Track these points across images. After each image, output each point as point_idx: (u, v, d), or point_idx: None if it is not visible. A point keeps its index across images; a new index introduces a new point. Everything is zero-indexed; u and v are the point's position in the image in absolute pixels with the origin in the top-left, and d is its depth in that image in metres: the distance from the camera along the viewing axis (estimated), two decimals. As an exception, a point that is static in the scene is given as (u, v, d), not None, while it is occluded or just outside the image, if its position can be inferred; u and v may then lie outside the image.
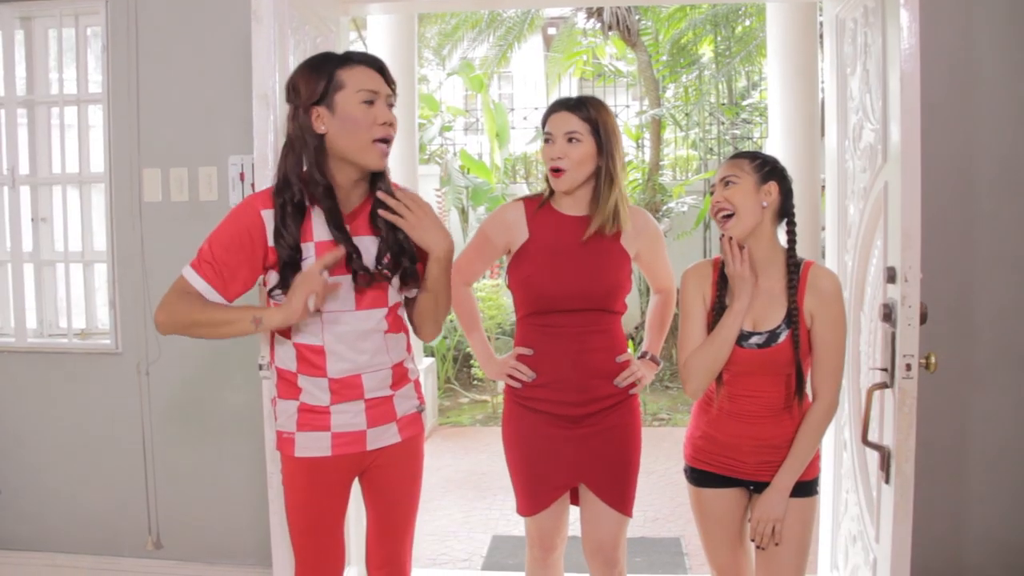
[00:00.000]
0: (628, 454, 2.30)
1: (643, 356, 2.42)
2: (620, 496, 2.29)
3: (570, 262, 2.23)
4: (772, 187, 2.08)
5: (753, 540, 2.11)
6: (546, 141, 2.26)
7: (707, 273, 2.19)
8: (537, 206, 2.31)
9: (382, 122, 1.90)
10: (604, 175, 2.24)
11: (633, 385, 2.30)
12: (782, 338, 2.07)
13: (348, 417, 2.02)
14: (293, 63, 2.45)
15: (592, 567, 2.35)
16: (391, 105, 1.95)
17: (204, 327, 1.92)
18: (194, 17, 3.09)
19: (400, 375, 2.08)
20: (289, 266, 1.91)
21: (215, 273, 1.93)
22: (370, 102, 1.90)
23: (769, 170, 2.09)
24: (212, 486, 3.20)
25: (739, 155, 2.12)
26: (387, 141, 1.93)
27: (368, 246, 1.98)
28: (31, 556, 3.32)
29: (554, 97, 11.05)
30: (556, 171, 2.22)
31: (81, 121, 3.28)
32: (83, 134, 3.29)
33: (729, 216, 2.07)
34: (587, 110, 2.23)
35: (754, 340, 2.08)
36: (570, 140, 2.20)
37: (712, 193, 2.13)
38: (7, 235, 3.34)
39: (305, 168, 1.94)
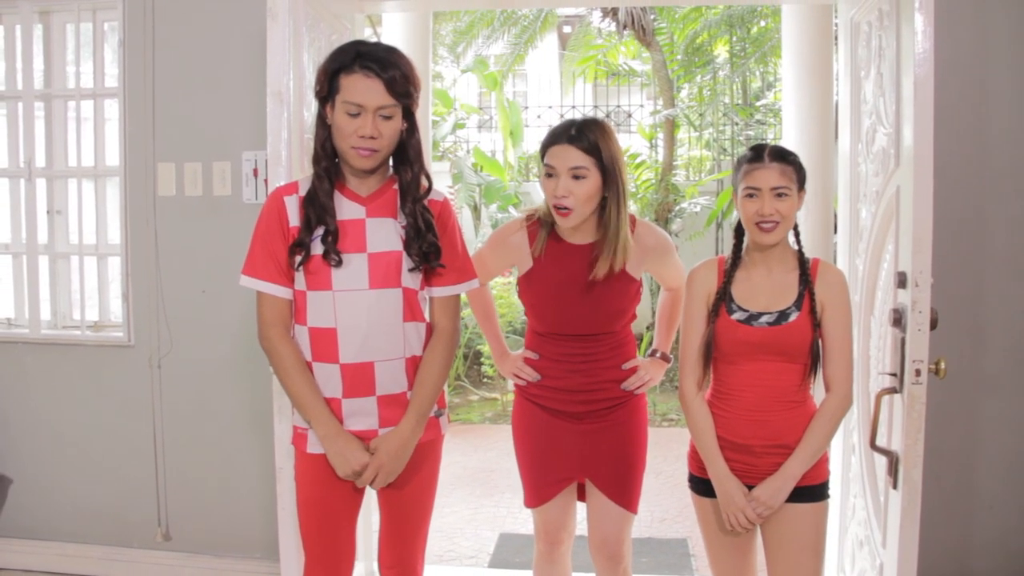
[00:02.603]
0: (633, 450, 2.30)
1: (652, 354, 2.42)
2: (625, 492, 2.29)
3: (574, 294, 2.21)
4: (803, 193, 2.10)
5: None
6: (548, 175, 2.16)
7: (712, 270, 2.17)
8: (540, 232, 2.26)
9: (361, 135, 1.92)
10: (612, 207, 2.16)
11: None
12: (792, 317, 2.07)
13: (361, 416, 2.03)
14: (308, 61, 2.47)
15: (597, 562, 2.37)
16: (388, 117, 1.94)
17: (284, 387, 2.04)
18: (210, 13, 3.11)
19: (417, 373, 2.09)
20: (317, 222, 1.97)
21: (273, 266, 1.99)
22: (355, 114, 1.92)
23: (804, 176, 2.11)
24: (221, 479, 3.22)
25: (783, 158, 2.06)
26: (369, 149, 1.95)
27: (385, 227, 2.02)
28: (41, 546, 3.35)
29: (568, 97, 11.07)
30: (562, 209, 2.14)
31: (97, 115, 3.30)
32: (99, 128, 3.31)
33: (775, 225, 2.05)
34: (588, 139, 2.12)
35: (764, 319, 2.08)
36: (575, 177, 2.12)
37: (748, 195, 2.06)
38: (23, 227, 3.37)
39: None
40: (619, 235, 2.17)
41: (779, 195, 2.04)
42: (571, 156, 2.11)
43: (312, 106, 2.43)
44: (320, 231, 1.97)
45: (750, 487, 2.10)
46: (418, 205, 2.03)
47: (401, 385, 2.05)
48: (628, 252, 2.20)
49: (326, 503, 2.07)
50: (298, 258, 1.97)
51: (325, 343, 2.00)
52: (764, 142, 2.13)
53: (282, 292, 2.00)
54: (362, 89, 1.91)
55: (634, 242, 2.22)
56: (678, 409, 6.26)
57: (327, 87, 1.95)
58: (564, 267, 2.23)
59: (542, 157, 2.19)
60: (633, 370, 2.29)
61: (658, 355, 2.42)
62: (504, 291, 6.64)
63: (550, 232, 2.26)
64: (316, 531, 2.07)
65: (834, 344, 2.09)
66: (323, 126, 2.00)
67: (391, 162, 2.07)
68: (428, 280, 2.09)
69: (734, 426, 2.10)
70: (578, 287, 2.21)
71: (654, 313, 2.57)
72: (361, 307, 1.98)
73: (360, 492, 2.10)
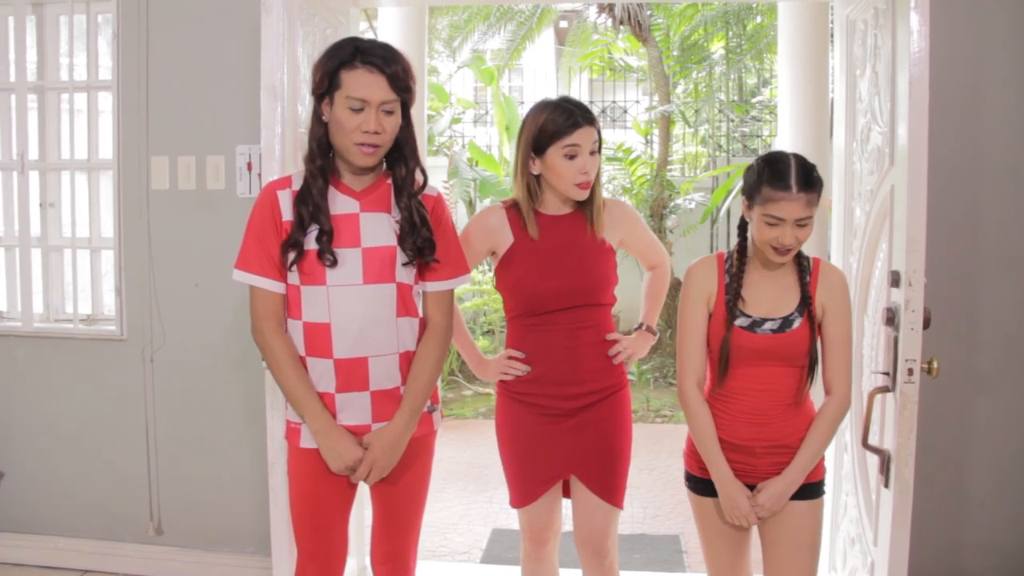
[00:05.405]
0: (618, 446, 2.31)
1: (639, 328, 2.43)
2: (610, 487, 2.29)
3: (558, 261, 2.24)
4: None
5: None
6: (571, 157, 2.19)
7: (712, 268, 2.16)
8: (521, 212, 2.29)
9: (364, 130, 1.92)
10: (598, 178, 2.28)
11: (623, 376, 2.33)
12: (796, 324, 2.06)
13: (354, 410, 2.03)
14: (302, 55, 2.47)
15: (583, 557, 2.37)
16: (390, 112, 1.95)
17: (277, 381, 2.04)
18: (204, 6, 3.09)
19: (410, 368, 2.08)
20: (311, 220, 1.97)
21: (266, 260, 1.99)
22: (359, 109, 1.92)
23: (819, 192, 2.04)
24: (214, 473, 3.22)
25: (810, 185, 1.98)
26: (372, 145, 1.95)
27: (380, 222, 2.02)
28: (33, 539, 3.34)
29: (565, 93, 11.02)
30: (585, 185, 2.22)
31: (91, 107, 3.28)
32: (92, 120, 3.29)
33: (791, 250, 2.03)
34: (594, 118, 2.24)
35: (768, 326, 2.06)
36: (592, 153, 2.21)
37: (769, 223, 2.00)
38: (15, 220, 3.35)
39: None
40: (599, 199, 2.29)
41: (802, 225, 2.00)
42: (592, 135, 2.22)
43: (306, 100, 2.42)
44: (314, 229, 1.97)
45: (750, 486, 2.10)
46: (413, 200, 2.03)
47: (395, 380, 2.05)
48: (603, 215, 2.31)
49: (319, 498, 2.06)
50: (291, 256, 1.97)
51: (319, 338, 2.00)
52: (785, 153, 2.05)
53: (275, 286, 2.00)
54: (365, 84, 1.91)
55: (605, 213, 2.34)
56: (671, 405, 6.25)
57: (326, 83, 1.94)
58: (544, 236, 2.27)
59: (558, 138, 2.19)
60: (615, 342, 2.31)
61: (644, 328, 2.43)
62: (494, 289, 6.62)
63: (534, 210, 2.30)
64: (309, 526, 2.07)
65: (834, 347, 2.08)
66: (319, 123, 1.99)
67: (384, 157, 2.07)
68: (422, 275, 2.09)
69: (734, 428, 2.10)
70: (559, 253, 2.25)
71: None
72: (355, 302, 1.98)
73: (353, 487, 2.10)
